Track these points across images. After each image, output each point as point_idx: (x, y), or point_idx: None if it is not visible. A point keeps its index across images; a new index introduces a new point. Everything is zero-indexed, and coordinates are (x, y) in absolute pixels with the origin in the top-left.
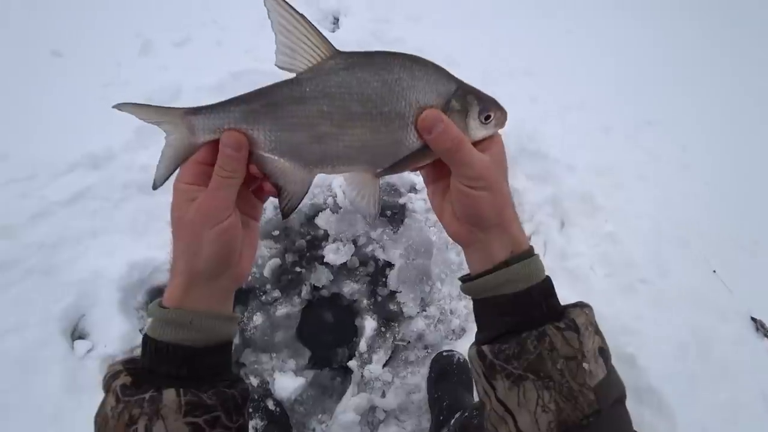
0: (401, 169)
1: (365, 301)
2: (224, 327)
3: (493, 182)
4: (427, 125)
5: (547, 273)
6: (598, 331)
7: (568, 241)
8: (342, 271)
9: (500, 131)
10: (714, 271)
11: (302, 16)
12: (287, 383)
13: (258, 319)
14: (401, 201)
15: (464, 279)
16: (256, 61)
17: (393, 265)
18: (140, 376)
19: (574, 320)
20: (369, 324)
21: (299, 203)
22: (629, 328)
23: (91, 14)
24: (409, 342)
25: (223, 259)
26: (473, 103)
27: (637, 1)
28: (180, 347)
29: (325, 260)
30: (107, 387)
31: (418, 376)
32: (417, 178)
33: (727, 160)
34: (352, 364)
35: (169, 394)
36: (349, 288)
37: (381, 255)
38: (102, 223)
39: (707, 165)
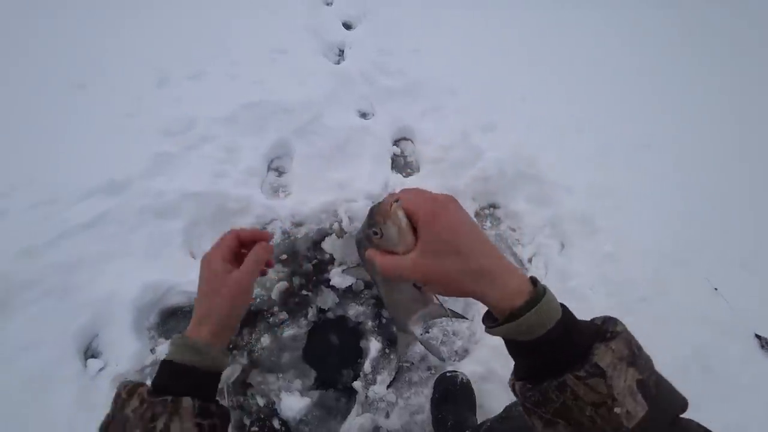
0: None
1: (370, 323)
2: (226, 359)
3: (431, 276)
4: (368, 269)
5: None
6: (634, 362)
7: (568, 261)
8: (347, 294)
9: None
10: (716, 289)
11: (351, 268)
12: (293, 403)
13: (265, 340)
14: None
15: (484, 320)
16: (265, 93)
17: None
18: (158, 388)
19: (597, 364)
20: (374, 345)
21: None
22: None
23: (112, 48)
24: (412, 363)
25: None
26: (367, 232)
27: (635, 27)
28: (195, 368)
29: (330, 283)
30: (131, 392)
31: (421, 397)
32: None
33: (725, 180)
34: (357, 384)
35: (186, 400)
36: (355, 310)
37: None
38: (118, 247)
39: (705, 185)
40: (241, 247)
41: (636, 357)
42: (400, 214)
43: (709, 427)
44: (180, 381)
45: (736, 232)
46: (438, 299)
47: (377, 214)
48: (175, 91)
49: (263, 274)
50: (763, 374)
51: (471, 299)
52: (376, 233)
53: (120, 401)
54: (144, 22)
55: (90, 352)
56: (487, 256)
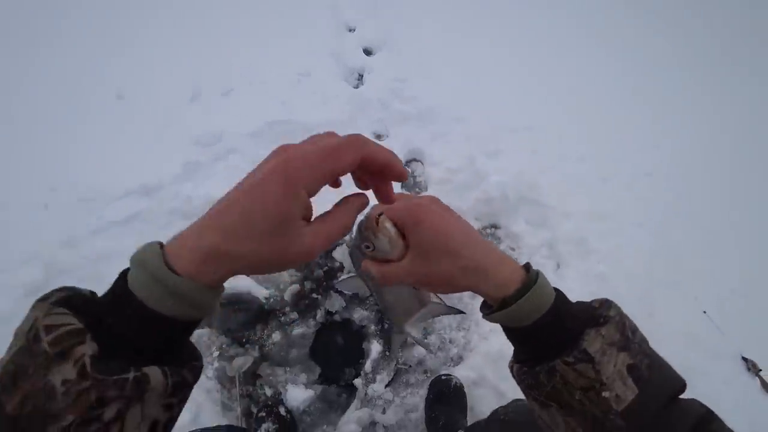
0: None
1: (373, 327)
2: (216, 304)
3: (423, 279)
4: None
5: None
6: (625, 347)
7: (562, 280)
8: (354, 299)
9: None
10: (704, 312)
11: (345, 278)
12: (298, 394)
13: (276, 336)
14: None
15: (481, 308)
16: (290, 113)
17: None
18: (110, 346)
19: (585, 350)
20: (375, 348)
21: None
22: None
23: (149, 63)
24: (410, 366)
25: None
26: (364, 249)
27: (642, 57)
28: (177, 321)
29: (339, 289)
30: (65, 349)
31: (416, 397)
32: None
33: (720, 209)
34: (358, 382)
35: (156, 376)
36: (359, 315)
37: None
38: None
39: (702, 214)
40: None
41: (628, 341)
42: (388, 225)
43: None
44: (146, 338)
45: (728, 259)
46: (438, 297)
47: (366, 229)
48: (207, 105)
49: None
50: (747, 396)
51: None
52: (368, 247)
53: (39, 352)
54: (182, 41)
55: None
56: (478, 251)
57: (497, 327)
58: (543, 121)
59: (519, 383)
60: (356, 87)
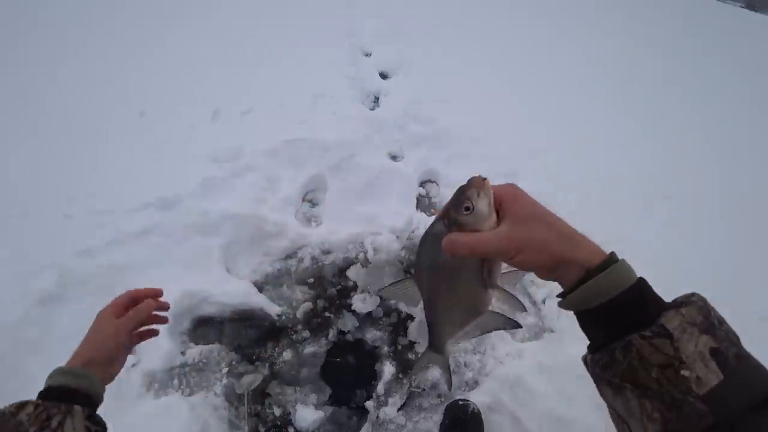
0: (492, 278)
1: (386, 348)
2: (102, 387)
3: (520, 246)
4: (447, 250)
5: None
6: (709, 330)
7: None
8: (367, 319)
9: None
10: None
11: (390, 285)
12: (307, 415)
13: (287, 354)
14: None
15: (559, 296)
16: (307, 132)
17: (414, 318)
18: (50, 400)
19: (663, 325)
20: (388, 369)
21: None
22: None
23: (172, 82)
24: (423, 389)
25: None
26: (453, 212)
27: (662, 83)
28: (73, 389)
29: (352, 308)
30: (20, 406)
31: (430, 422)
32: None
33: (742, 234)
34: (369, 404)
35: (77, 407)
36: (372, 335)
37: (403, 308)
38: (163, 256)
39: (722, 238)
40: (134, 304)
41: (713, 327)
42: (490, 189)
43: None
44: (62, 396)
45: (747, 285)
46: (505, 289)
47: (471, 188)
48: (226, 123)
49: (151, 334)
50: None
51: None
52: (468, 208)
53: (7, 416)
54: (203, 61)
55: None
56: (566, 225)
57: (513, 351)
58: (559, 143)
59: (592, 372)
60: (372, 109)
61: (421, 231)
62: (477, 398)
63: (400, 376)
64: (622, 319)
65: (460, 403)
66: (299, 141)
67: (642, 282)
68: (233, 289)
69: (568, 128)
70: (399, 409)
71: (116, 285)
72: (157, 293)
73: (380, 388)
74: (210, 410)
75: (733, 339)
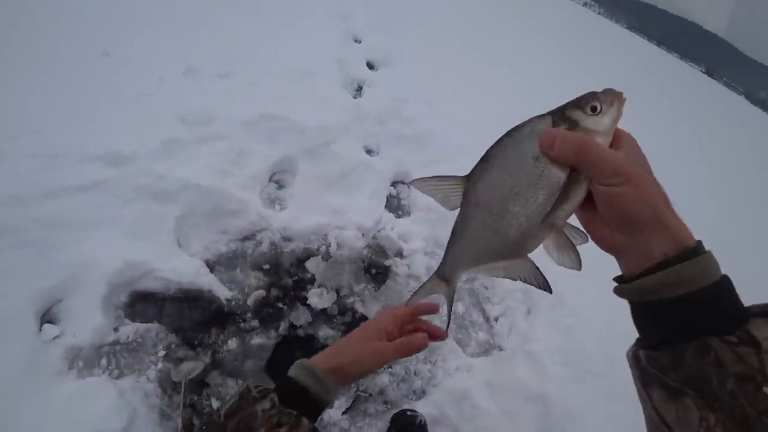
0: (563, 211)
1: None
2: (333, 395)
3: (633, 175)
4: (546, 143)
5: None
6: None
7: (531, 327)
8: (321, 315)
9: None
10: None
11: (434, 177)
12: None
13: (232, 343)
14: (387, 263)
15: (618, 280)
16: (286, 110)
17: (368, 319)
18: (283, 401)
19: (749, 332)
20: None
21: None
22: (576, 414)
23: (146, 25)
24: (370, 395)
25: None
26: (572, 109)
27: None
28: (311, 393)
29: (307, 302)
30: (263, 393)
31: (374, 429)
32: (405, 244)
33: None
34: None
35: (305, 420)
36: (325, 333)
37: (360, 308)
38: (107, 216)
39: None
40: (411, 320)
41: None
42: (622, 111)
43: None
44: (299, 400)
45: None
46: (567, 235)
47: (606, 93)
48: (201, 83)
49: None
50: None
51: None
52: (595, 108)
53: (250, 397)
54: (186, 10)
55: (48, 317)
56: (663, 201)
57: (463, 365)
58: None
59: (643, 369)
60: (355, 98)
61: (388, 232)
62: (424, 409)
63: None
64: (701, 318)
65: (408, 413)
66: (277, 117)
67: (727, 280)
68: (182, 266)
69: None
70: (344, 413)
71: (49, 242)
72: (432, 310)
73: None
74: (140, 396)
75: None
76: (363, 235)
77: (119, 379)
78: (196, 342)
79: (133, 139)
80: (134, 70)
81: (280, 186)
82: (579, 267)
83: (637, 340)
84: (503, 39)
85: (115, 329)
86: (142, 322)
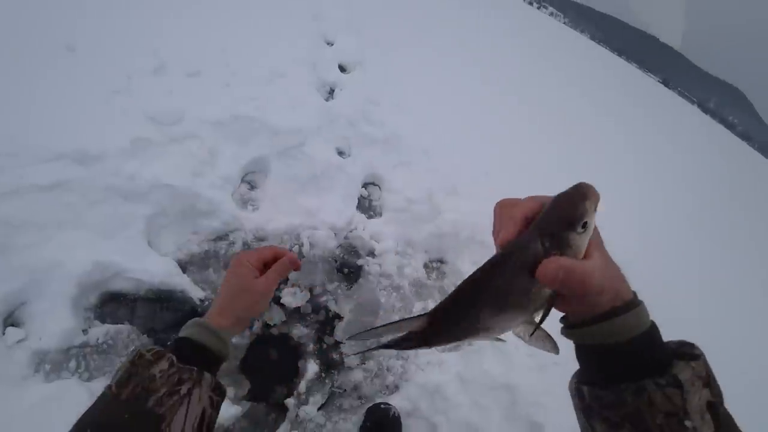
0: (543, 319)
1: (311, 346)
2: (228, 348)
3: (609, 279)
4: (550, 280)
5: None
6: (709, 383)
7: None
8: (294, 314)
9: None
10: None
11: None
12: (222, 410)
13: None
14: (359, 262)
15: (564, 322)
16: (257, 111)
17: (342, 317)
18: (182, 359)
19: (676, 376)
20: (311, 367)
21: None
22: (540, 401)
23: (115, 20)
24: (345, 390)
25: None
26: (566, 232)
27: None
28: (210, 350)
29: (281, 301)
30: (158, 356)
31: (349, 423)
32: (376, 244)
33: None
34: (290, 402)
35: (207, 375)
36: (299, 331)
37: (333, 307)
38: (73, 217)
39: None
40: (272, 260)
41: (711, 380)
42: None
43: None
44: (198, 357)
45: None
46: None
47: (590, 198)
48: (170, 81)
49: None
50: None
51: None
52: (585, 225)
53: (144, 361)
54: (157, 6)
55: (11, 320)
56: (615, 269)
57: (435, 359)
58: (502, 168)
59: (589, 403)
60: (327, 100)
61: (360, 232)
62: (397, 403)
63: (323, 375)
64: (637, 362)
65: (382, 406)
66: (248, 118)
67: (654, 326)
68: (153, 266)
69: (516, 157)
70: (319, 409)
71: (9, 244)
72: (292, 257)
73: (302, 386)
74: None
75: (722, 396)
76: (335, 235)
77: (90, 381)
78: (168, 343)
79: (101, 138)
80: (101, 67)
81: (252, 187)
82: (557, 352)
83: (578, 372)
84: (472, 43)
85: (84, 331)
86: (112, 323)
